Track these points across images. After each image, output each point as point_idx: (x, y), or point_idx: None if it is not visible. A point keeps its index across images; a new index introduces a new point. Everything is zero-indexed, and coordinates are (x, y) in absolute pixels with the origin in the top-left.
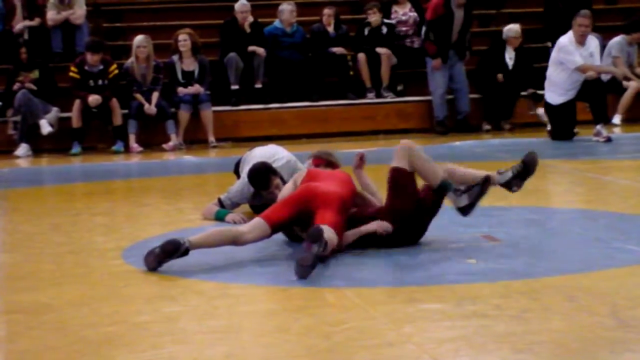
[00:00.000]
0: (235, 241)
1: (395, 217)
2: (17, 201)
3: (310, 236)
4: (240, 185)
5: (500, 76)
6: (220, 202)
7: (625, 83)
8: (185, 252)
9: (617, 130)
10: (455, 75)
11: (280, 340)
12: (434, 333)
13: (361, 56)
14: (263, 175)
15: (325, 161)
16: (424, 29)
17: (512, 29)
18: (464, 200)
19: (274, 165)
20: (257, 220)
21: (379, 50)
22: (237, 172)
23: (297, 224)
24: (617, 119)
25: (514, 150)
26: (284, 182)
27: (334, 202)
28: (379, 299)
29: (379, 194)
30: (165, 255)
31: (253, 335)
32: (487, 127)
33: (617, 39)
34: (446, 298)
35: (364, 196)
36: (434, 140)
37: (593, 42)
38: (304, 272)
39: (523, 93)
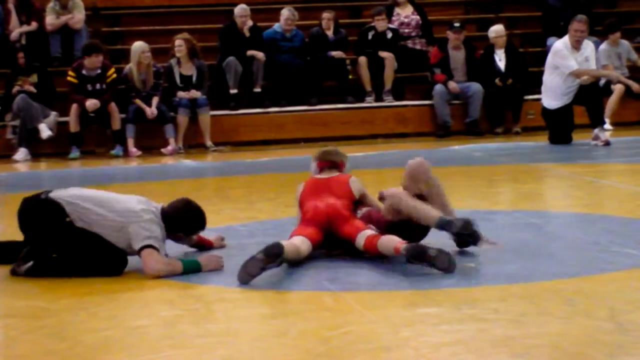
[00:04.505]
0: (299, 255)
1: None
2: (15, 206)
3: (418, 257)
4: (156, 228)
5: (497, 80)
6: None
7: (612, 86)
8: (282, 261)
9: (607, 134)
10: (470, 84)
11: (278, 344)
12: (431, 337)
13: (362, 59)
14: (203, 216)
15: (330, 162)
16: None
17: (491, 29)
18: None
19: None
20: (302, 238)
21: (383, 54)
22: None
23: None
24: (606, 123)
25: (512, 154)
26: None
27: (344, 211)
28: (377, 303)
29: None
30: (270, 259)
31: (251, 339)
32: (498, 130)
33: (602, 47)
34: (444, 302)
35: (367, 199)
36: (433, 144)
37: (589, 46)
38: (452, 268)
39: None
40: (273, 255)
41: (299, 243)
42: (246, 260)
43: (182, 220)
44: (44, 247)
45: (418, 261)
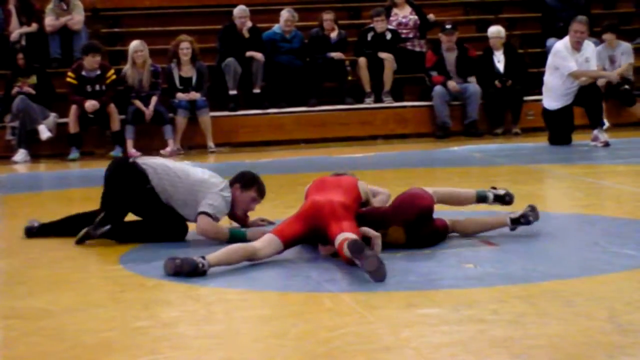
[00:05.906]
0: (251, 258)
1: (402, 216)
2: (15, 206)
3: (354, 252)
4: (221, 199)
5: (497, 82)
6: (211, 217)
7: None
8: (203, 273)
9: (607, 135)
10: (467, 85)
11: (278, 345)
12: (431, 338)
13: (362, 61)
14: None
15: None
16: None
17: (489, 30)
18: (502, 190)
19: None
20: (271, 237)
21: (382, 55)
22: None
23: (314, 240)
24: (606, 123)
25: (512, 155)
26: None
27: (340, 210)
28: (377, 303)
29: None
30: (182, 272)
31: (250, 340)
32: (498, 131)
33: (596, 48)
34: (443, 303)
35: (371, 202)
36: (432, 145)
37: (589, 47)
38: (381, 274)
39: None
40: (186, 268)
41: (262, 245)
42: (167, 258)
43: (254, 179)
44: (122, 208)
45: (354, 255)
